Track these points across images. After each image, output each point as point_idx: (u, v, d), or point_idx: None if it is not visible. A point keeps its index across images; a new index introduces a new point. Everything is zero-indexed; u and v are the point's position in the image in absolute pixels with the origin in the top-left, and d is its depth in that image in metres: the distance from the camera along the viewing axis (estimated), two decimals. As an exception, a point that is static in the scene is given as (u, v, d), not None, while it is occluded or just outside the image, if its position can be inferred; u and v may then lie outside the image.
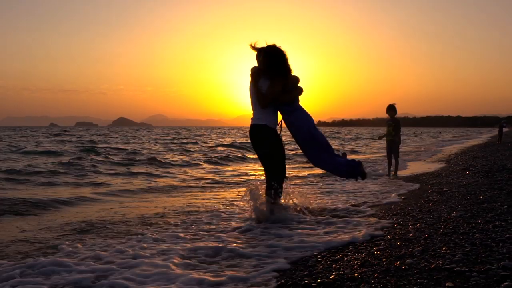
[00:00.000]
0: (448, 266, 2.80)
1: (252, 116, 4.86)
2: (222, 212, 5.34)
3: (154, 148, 20.93)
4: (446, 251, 3.15)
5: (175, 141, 28.82)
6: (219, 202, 6.28)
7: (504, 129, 27.58)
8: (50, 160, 13.52)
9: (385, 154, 10.10)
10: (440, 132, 68.20)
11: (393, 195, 6.36)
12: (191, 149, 20.48)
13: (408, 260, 3.01)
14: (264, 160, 4.86)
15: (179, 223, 4.78)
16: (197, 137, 37.71)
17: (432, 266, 2.83)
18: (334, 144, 28.04)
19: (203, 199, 6.75)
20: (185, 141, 29.87)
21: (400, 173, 9.75)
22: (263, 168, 4.95)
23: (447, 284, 2.50)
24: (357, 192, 6.88)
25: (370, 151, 21.41)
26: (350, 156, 5.33)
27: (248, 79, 4.86)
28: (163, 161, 14.17)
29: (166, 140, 31.59)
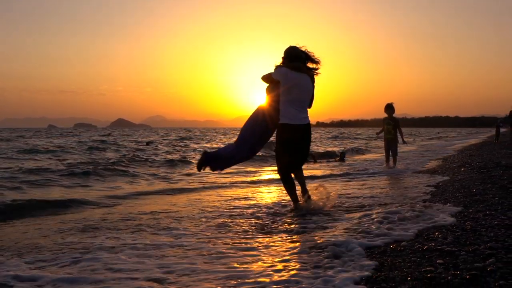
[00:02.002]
0: (439, 247, 3.07)
1: (301, 114, 4.88)
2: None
3: (168, 148, 20.99)
4: (438, 235, 3.42)
5: (185, 141, 28.97)
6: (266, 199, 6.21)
7: (502, 129, 27.73)
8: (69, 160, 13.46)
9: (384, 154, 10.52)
10: (439, 133, 68.09)
11: (391, 191, 6.64)
12: (206, 149, 20.43)
13: (403, 243, 3.28)
14: (305, 156, 5.13)
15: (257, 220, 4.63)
16: (204, 137, 37.85)
17: (425, 247, 3.10)
18: (335, 144, 28.24)
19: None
20: (196, 140, 29.95)
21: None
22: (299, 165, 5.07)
23: (438, 261, 2.76)
24: (364, 189, 7.16)
25: (373, 151, 21.63)
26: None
27: (258, 75, 5.01)
28: (182, 159, 14.17)
29: (176, 139, 31.73)
